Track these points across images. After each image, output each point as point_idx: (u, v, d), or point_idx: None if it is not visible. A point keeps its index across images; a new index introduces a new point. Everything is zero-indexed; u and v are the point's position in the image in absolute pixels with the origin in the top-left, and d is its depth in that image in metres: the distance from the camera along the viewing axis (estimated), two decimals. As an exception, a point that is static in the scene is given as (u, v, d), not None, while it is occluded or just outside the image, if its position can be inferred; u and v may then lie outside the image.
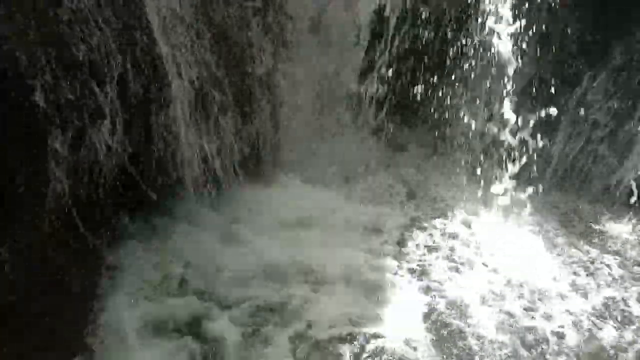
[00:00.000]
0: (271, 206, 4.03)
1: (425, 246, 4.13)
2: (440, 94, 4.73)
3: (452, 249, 4.14)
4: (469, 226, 4.41)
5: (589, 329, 3.58)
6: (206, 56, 3.40)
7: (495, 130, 4.50)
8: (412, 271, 3.87)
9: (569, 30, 4.34)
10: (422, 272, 3.87)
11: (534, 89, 4.42)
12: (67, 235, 2.84)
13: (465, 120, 4.67)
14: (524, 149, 4.49)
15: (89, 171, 2.94)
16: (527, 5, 4.21)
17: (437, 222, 4.41)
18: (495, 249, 4.19)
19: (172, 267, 3.46)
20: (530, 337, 3.47)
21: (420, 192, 4.72)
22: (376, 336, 3.31)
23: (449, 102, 4.73)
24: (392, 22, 4.38)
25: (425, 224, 4.36)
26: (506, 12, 4.30)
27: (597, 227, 4.59)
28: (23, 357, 2.61)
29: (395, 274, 3.83)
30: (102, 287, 3.18)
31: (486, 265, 4.02)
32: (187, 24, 3.23)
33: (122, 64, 2.96)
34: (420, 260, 3.98)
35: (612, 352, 3.45)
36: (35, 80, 2.53)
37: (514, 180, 4.54)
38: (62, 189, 2.73)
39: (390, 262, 3.89)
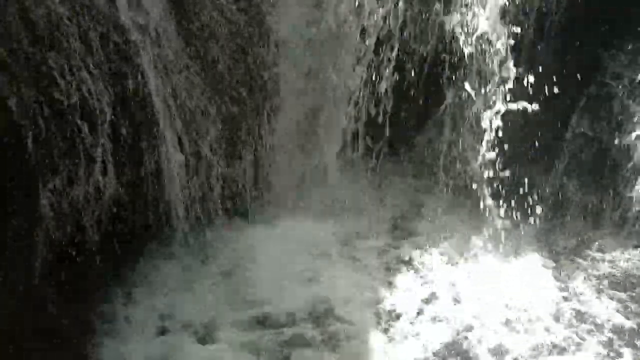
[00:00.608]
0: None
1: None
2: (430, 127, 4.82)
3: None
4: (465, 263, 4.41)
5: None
6: (196, 100, 3.44)
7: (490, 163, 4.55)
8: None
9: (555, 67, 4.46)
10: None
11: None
12: (57, 278, 2.81)
13: (458, 154, 4.73)
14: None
15: (78, 214, 2.93)
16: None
17: (429, 259, 4.41)
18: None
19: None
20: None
21: (409, 226, 4.73)
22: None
23: (440, 136, 4.81)
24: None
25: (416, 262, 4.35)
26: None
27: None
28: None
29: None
30: (94, 332, 3.13)
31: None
32: (178, 70, 3.28)
33: (113, 108, 2.99)
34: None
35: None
36: (26, 127, 2.55)
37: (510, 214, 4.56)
38: (53, 233, 2.72)
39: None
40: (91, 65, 2.87)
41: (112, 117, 2.99)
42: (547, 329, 3.85)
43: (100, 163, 2.98)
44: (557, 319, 3.93)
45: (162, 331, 3.41)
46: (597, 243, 4.61)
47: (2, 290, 2.49)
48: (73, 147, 2.81)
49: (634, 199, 4.45)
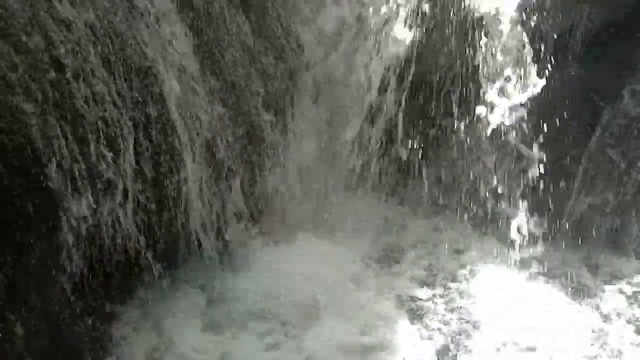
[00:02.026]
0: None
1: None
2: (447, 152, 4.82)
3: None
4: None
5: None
6: (217, 124, 3.49)
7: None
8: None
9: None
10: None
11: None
12: (78, 308, 2.85)
13: (474, 178, 4.72)
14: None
15: (99, 242, 2.97)
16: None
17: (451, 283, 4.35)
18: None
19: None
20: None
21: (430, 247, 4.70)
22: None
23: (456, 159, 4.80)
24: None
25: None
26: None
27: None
28: None
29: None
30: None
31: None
32: (200, 97, 3.33)
33: (135, 135, 3.04)
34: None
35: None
36: (50, 155, 2.60)
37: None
38: (75, 261, 2.75)
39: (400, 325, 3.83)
40: (114, 93, 2.93)
41: (134, 143, 3.05)
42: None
43: (121, 189, 3.02)
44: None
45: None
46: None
47: (25, 317, 2.53)
48: (95, 173, 2.86)
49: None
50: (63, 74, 2.68)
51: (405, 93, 4.51)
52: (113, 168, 2.92)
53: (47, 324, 2.66)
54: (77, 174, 2.75)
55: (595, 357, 3.76)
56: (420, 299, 4.14)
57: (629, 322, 4.07)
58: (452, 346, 3.77)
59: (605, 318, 4.10)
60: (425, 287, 4.26)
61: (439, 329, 3.90)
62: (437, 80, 4.60)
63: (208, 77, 3.45)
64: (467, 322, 3.97)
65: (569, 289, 4.31)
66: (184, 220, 3.46)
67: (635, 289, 4.37)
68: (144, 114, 3.10)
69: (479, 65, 4.49)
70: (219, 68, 3.50)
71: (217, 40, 3.45)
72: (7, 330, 2.48)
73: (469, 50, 4.45)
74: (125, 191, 3.03)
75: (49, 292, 2.67)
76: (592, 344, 3.85)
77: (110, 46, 2.91)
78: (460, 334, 3.86)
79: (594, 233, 4.63)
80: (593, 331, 3.97)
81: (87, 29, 2.77)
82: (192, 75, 3.41)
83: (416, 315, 4.00)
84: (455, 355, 3.70)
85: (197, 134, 3.48)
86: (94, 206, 2.84)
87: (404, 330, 3.84)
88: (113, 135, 2.91)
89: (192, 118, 3.34)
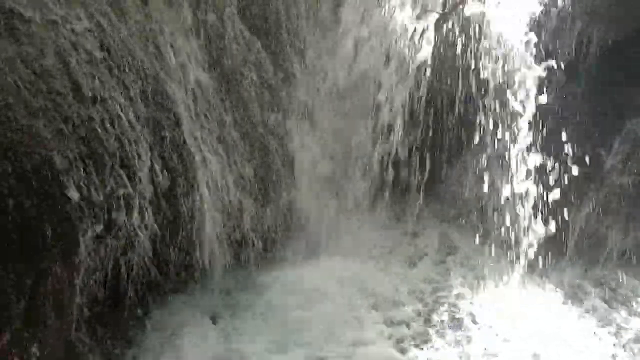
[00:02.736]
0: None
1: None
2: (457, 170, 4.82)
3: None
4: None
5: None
6: (230, 145, 3.53)
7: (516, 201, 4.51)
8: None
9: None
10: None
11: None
12: (93, 327, 2.86)
13: (486, 193, 4.71)
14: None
15: (115, 261, 3.00)
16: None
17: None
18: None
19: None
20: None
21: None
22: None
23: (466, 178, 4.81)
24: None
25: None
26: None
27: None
28: None
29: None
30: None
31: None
32: (213, 118, 3.37)
33: (151, 156, 3.08)
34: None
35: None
36: (68, 177, 2.64)
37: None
38: (91, 283, 2.78)
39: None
40: (131, 116, 2.98)
41: (150, 164, 3.10)
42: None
43: (138, 209, 3.05)
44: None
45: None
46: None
47: (42, 338, 2.55)
48: (112, 195, 2.89)
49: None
50: (81, 98, 2.74)
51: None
52: (129, 189, 2.95)
53: (63, 345, 2.68)
54: (94, 196, 2.79)
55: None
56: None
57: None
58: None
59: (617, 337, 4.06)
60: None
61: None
62: (447, 100, 4.64)
63: (224, 100, 3.49)
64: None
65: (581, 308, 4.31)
66: (198, 238, 3.48)
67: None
68: (159, 135, 3.14)
69: (487, 84, 4.51)
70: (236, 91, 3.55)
71: (232, 68, 3.50)
72: (24, 352, 2.50)
73: (477, 71, 4.48)
74: (141, 212, 3.06)
75: (66, 313, 2.69)
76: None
77: (127, 69, 2.97)
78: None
79: (607, 252, 4.61)
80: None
81: (104, 52, 2.83)
82: (207, 98, 3.46)
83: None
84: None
85: (211, 154, 3.51)
86: (111, 228, 2.88)
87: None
88: (129, 156, 2.94)
89: (206, 141, 3.37)
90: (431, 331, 3.96)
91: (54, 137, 2.55)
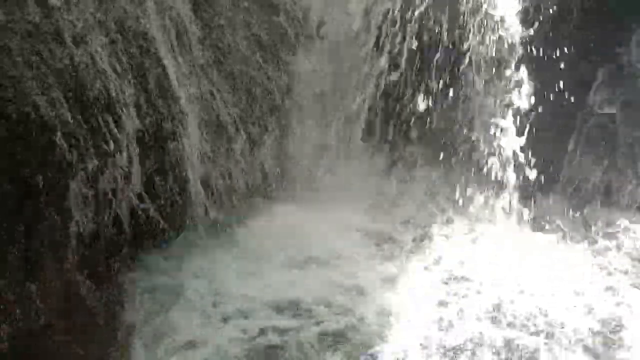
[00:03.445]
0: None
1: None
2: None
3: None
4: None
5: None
6: (217, 91, 3.55)
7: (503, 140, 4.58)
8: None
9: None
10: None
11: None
12: (89, 267, 2.98)
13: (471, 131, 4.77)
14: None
15: (106, 205, 3.08)
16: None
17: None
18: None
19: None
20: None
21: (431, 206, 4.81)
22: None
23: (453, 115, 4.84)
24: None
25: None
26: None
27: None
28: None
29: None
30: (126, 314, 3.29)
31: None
32: (198, 63, 3.38)
33: (136, 101, 3.12)
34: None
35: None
36: (55, 123, 2.68)
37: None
38: (83, 224, 2.87)
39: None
40: (115, 62, 2.99)
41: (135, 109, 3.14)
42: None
43: (125, 154, 3.11)
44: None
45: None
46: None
47: (40, 278, 2.68)
48: (99, 140, 2.95)
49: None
50: (63, 43, 2.75)
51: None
52: (116, 133, 3.00)
53: (60, 284, 2.80)
54: (81, 141, 2.85)
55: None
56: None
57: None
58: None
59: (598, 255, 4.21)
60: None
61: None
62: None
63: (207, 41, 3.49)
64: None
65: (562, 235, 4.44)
66: (187, 184, 3.55)
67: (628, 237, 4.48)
68: (143, 79, 3.17)
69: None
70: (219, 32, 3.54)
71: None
72: (23, 291, 2.62)
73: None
74: (128, 156, 3.12)
75: (61, 255, 2.80)
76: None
77: (109, 13, 2.96)
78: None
79: (589, 187, 4.72)
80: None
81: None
82: (191, 40, 3.44)
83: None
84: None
85: (197, 98, 3.54)
86: (99, 172, 2.95)
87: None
88: (115, 101, 2.97)
89: (191, 83, 3.39)
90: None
91: (38, 84, 2.58)
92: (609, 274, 4.04)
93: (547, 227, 4.55)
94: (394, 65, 4.62)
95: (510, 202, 4.59)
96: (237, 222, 3.98)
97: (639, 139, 4.51)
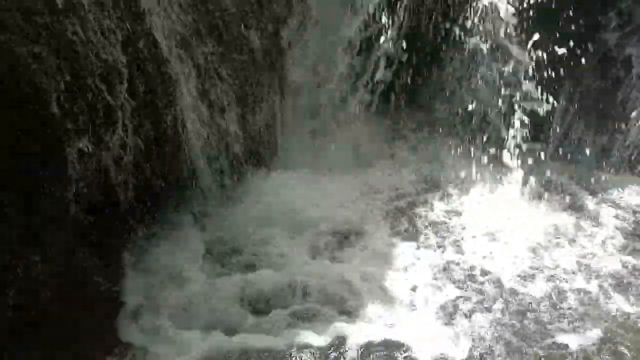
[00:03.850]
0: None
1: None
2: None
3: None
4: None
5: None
6: (209, 57, 3.51)
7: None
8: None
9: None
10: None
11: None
12: (90, 235, 2.99)
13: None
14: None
15: (105, 173, 3.07)
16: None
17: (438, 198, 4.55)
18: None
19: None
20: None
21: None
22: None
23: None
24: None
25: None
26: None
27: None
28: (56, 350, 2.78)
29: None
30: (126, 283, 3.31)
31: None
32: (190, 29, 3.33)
33: (130, 69, 3.08)
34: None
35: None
36: (50, 93, 2.65)
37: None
38: (82, 193, 2.87)
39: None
40: (105, 27, 2.94)
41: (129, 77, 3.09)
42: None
43: (121, 122, 3.09)
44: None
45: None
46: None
47: (41, 247, 2.68)
48: (94, 108, 2.92)
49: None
50: (54, 11, 2.69)
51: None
52: (111, 102, 2.97)
53: (61, 253, 2.81)
54: (76, 110, 2.82)
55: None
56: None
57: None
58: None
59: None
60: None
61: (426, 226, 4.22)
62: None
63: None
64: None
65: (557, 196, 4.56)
66: (184, 152, 3.54)
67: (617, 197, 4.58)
68: (136, 48, 3.12)
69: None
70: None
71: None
72: (25, 259, 2.63)
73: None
74: (124, 125, 3.10)
75: (62, 224, 2.80)
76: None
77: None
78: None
79: (584, 150, 4.78)
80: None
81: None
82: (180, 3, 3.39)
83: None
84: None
85: (192, 67, 3.50)
86: (97, 140, 2.93)
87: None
88: (108, 69, 2.93)
89: (185, 50, 3.35)
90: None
91: (30, 54, 2.53)
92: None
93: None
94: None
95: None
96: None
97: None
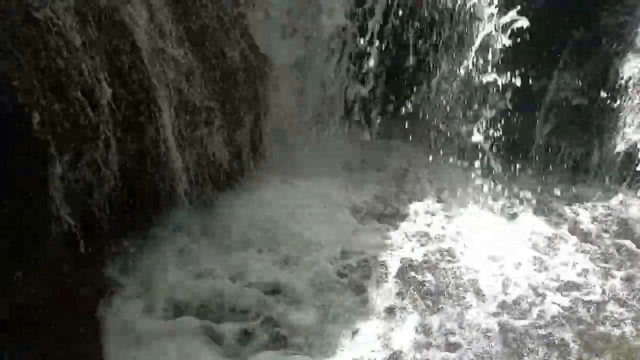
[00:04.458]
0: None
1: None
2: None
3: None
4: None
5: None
6: (192, 74, 3.54)
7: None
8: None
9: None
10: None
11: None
12: (72, 253, 2.98)
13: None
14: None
15: (87, 191, 3.07)
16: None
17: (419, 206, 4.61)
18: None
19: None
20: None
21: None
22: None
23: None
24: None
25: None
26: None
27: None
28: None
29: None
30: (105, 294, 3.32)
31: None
32: (172, 46, 3.36)
33: (113, 86, 3.09)
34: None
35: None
36: (31, 109, 2.65)
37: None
38: (64, 211, 2.86)
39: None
40: (87, 44, 2.95)
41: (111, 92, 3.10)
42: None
43: (103, 138, 3.09)
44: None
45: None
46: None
47: (25, 263, 2.68)
48: (77, 125, 2.92)
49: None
50: (35, 26, 2.70)
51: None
52: (93, 117, 2.98)
53: (45, 268, 2.80)
54: (58, 125, 2.82)
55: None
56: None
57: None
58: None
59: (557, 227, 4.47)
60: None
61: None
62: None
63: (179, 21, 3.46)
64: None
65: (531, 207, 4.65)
66: (166, 166, 3.55)
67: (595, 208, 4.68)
68: (118, 62, 3.14)
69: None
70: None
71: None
72: (9, 276, 2.63)
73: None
74: (106, 140, 3.11)
75: (45, 240, 2.80)
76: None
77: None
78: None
79: (558, 161, 4.88)
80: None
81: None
82: (162, 19, 3.41)
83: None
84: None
85: (172, 80, 3.52)
86: (78, 156, 2.94)
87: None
88: (90, 84, 2.95)
89: (165, 64, 3.37)
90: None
91: (12, 69, 2.54)
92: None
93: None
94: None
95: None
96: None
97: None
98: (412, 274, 3.92)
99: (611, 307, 3.78)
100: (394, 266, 3.96)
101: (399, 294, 3.76)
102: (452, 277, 3.93)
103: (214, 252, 3.79)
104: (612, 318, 3.71)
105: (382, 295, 3.73)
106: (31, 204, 2.68)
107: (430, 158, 4.94)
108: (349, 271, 3.88)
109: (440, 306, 3.70)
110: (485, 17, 4.49)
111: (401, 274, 3.91)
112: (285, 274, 3.75)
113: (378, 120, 5.06)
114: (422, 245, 4.19)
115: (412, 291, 3.79)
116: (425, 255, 4.09)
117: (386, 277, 3.87)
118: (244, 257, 3.81)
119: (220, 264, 3.72)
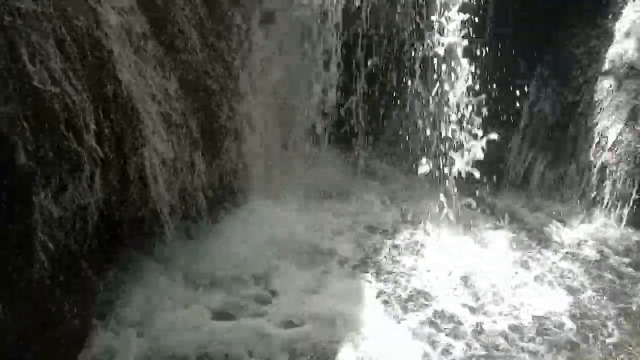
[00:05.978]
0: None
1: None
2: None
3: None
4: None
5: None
6: (175, 101, 3.56)
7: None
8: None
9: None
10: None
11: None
12: (55, 284, 2.92)
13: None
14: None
15: (72, 221, 3.03)
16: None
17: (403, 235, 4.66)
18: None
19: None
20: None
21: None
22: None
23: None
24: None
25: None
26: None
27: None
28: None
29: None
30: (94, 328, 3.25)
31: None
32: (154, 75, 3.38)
33: (96, 115, 3.08)
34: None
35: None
36: (16, 140, 2.63)
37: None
38: (48, 241, 2.82)
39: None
40: (71, 76, 2.95)
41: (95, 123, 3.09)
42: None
43: (87, 169, 3.07)
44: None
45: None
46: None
47: (9, 295, 2.62)
48: (61, 156, 2.90)
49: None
50: (18, 57, 2.69)
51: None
52: (77, 148, 2.96)
53: (29, 299, 2.75)
54: (43, 156, 2.79)
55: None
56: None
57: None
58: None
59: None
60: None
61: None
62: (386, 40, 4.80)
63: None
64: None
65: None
66: (151, 197, 3.53)
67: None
68: (101, 93, 3.14)
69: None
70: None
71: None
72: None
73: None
74: (92, 171, 3.08)
75: (28, 271, 2.74)
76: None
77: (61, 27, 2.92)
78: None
79: (535, 182, 5.00)
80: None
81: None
82: (146, 51, 3.44)
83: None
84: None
85: (155, 110, 3.53)
86: (63, 187, 2.90)
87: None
88: (73, 115, 2.93)
89: (148, 94, 3.38)
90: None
91: (-3, 100, 2.53)
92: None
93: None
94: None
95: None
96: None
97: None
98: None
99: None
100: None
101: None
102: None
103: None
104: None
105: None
106: (14, 233, 2.64)
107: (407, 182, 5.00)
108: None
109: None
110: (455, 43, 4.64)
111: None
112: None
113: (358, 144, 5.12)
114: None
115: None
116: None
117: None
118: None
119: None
